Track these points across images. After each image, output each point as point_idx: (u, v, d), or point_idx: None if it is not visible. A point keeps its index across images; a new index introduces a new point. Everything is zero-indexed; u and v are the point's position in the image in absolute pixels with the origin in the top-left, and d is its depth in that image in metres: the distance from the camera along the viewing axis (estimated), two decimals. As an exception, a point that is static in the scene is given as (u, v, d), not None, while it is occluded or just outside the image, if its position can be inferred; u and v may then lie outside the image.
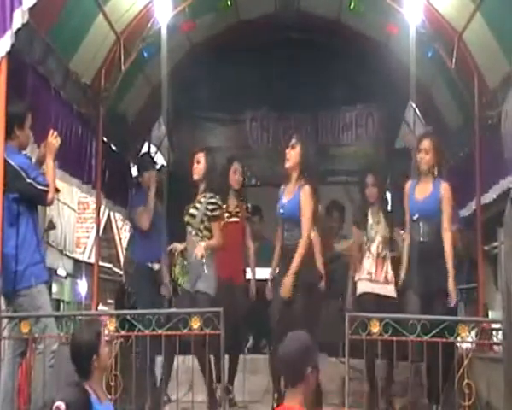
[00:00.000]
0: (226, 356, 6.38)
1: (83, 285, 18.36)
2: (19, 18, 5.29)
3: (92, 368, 4.24)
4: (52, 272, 15.89)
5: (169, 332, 5.61)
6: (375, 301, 6.78)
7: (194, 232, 6.63)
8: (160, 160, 11.17)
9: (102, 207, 9.00)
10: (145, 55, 8.14)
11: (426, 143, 6.49)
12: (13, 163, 5.46)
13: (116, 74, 7.88)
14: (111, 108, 8.19)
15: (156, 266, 7.64)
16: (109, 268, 17.05)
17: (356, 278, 7.07)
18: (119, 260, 18.21)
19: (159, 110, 9.00)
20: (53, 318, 5.82)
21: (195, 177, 6.78)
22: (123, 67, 7.85)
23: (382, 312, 6.03)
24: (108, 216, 17.67)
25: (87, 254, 18.76)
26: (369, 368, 6.62)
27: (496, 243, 9.98)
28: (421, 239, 6.40)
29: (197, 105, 10.62)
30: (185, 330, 5.56)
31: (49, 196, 5.68)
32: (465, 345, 5.88)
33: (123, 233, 19.04)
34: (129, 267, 8.30)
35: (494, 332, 6.49)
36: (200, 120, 11.08)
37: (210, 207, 6.61)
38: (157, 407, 6.11)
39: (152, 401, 6.12)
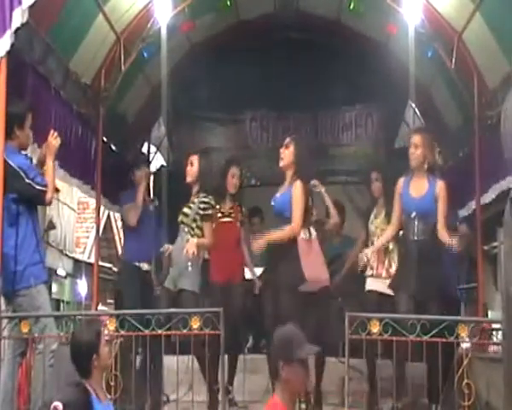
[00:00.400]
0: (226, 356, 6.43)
1: (83, 285, 18.37)
2: (18, 17, 5.29)
3: (92, 367, 4.25)
4: (52, 271, 15.89)
5: (169, 332, 5.62)
6: (377, 300, 6.81)
7: (186, 230, 6.68)
8: (160, 160, 11.18)
9: (102, 207, 9.00)
10: (145, 55, 8.14)
11: (416, 138, 6.46)
12: (12, 163, 5.46)
13: (116, 74, 7.88)
14: (111, 108, 8.19)
15: (145, 266, 7.57)
16: (109, 268, 17.02)
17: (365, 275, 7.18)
18: (118, 260, 18.20)
19: (158, 110, 9.00)
20: (52, 318, 5.82)
21: (188, 179, 6.85)
22: (123, 67, 7.85)
23: (384, 310, 6.05)
24: (108, 216, 17.66)
25: (87, 254, 18.75)
26: (370, 368, 6.64)
27: (495, 243, 9.98)
28: (416, 238, 6.35)
29: (197, 105, 10.62)
30: (185, 331, 5.56)
31: (48, 195, 5.69)
32: (465, 345, 5.88)
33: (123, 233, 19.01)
34: (118, 266, 8.33)
35: (494, 332, 6.49)
36: (200, 120, 11.09)
37: (202, 206, 6.67)
38: (157, 406, 6.11)
39: (152, 401, 6.13)
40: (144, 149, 10.34)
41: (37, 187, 5.59)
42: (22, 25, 5.35)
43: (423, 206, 6.36)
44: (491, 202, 7.75)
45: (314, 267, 6.89)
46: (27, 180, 5.54)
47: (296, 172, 6.50)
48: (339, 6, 9.05)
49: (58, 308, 16.63)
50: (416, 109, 9.65)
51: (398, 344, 5.55)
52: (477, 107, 7.68)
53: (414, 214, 6.36)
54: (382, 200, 7.23)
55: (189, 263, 6.55)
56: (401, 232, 6.69)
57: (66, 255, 17.32)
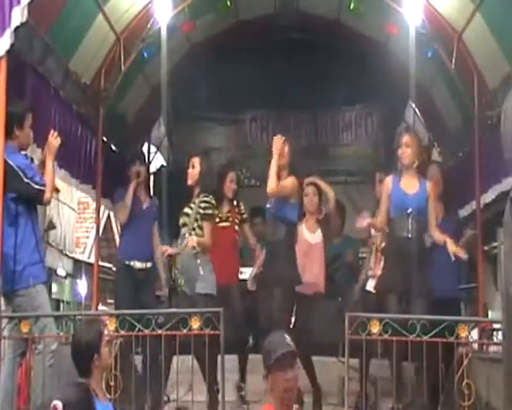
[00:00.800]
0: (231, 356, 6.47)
1: (83, 285, 18.35)
2: (18, 16, 5.27)
3: (93, 367, 4.24)
4: (52, 271, 15.89)
5: (169, 332, 5.61)
6: (375, 300, 6.81)
7: (187, 232, 6.68)
8: (160, 160, 11.19)
9: (102, 207, 8.99)
10: (145, 55, 8.14)
11: (406, 138, 6.51)
12: (11, 163, 5.45)
13: (116, 74, 7.88)
14: (111, 107, 8.19)
15: (138, 265, 7.51)
16: (109, 268, 16.98)
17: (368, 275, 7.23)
18: (118, 260, 18.19)
19: (158, 110, 9.00)
20: (52, 318, 5.82)
21: (190, 181, 6.84)
22: (123, 67, 7.85)
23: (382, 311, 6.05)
24: (108, 216, 17.63)
25: (87, 254, 18.74)
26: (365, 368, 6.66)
27: (495, 243, 9.98)
28: (410, 235, 6.32)
29: (197, 105, 10.63)
30: (185, 331, 5.56)
31: (46, 195, 5.68)
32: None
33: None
34: (114, 265, 8.34)
35: (494, 332, 6.49)
36: (200, 120, 11.10)
37: (203, 205, 6.67)
38: (157, 406, 6.11)
39: (152, 400, 6.13)
40: (144, 149, 10.32)
41: (36, 187, 5.59)
42: (22, 24, 5.34)
43: (418, 202, 6.37)
44: (491, 202, 7.74)
45: (311, 271, 6.92)
46: (26, 180, 5.53)
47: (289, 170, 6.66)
48: (339, 6, 9.05)
49: (58, 308, 16.62)
50: (416, 109, 9.65)
51: (392, 344, 5.53)
52: (477, 107, 7.68)
53: (410, 210, 6.34)
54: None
55: (200, 267, 6.55)
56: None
57: (66, 255, 17.30)
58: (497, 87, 7.14)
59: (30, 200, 5.67)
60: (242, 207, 7.57)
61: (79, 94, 7.48)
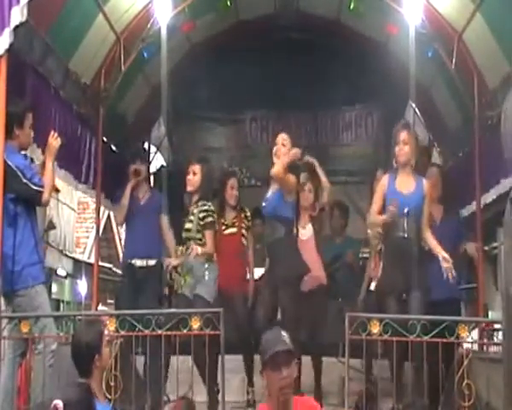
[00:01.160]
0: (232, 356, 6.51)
1: (83, 285, 18.38)
2: (17, 15, 5.26)
3: (93, 368, 4.24)
4: (52, 272, 15.91)
5: (169, 332, 5.61)
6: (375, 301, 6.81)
7: (192, 242, 6.69)
8: (160, 160, 11.18)
9: (102, 208, 8.99)
10: (145, 55, 8.14)
11: (404, 135, 6.41)
12: (10, 163, 5.45)
13: (116, 74, 7.88)
14: (111, 107, 8.18)
15: (138, 263, 7.43)
16: (109, 268, 17.05)
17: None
18: (119, 260, 18.21)
19: (158, 110, 8.99)
20: (52, 318, 5.81)
21: (190, 188, 6.82)
22: (123, 67, 7.84)
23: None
24: (108, 216, 17.67)
25: (87, 254, 18.78)
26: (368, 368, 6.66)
27: (496, 244, 9.98)
28: (406, 235, 6.25)
29: (197, 105, 10.62)
30: (185, 331, 5.56)
31: (44, 196, 5.66)
32: (465, 345, 5.87)
33: (123, 233, 19.02)
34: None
35: (494, 332, 6.49)
36: (200, 120, 11.09)
37: (202, 215, 6.67)
38: (157, 407, 6.11)
39: (152, 401, 6.12)
40: (145, 146, 10.31)
41: (34, 188, 5.57)
42: (21, 24, 5.33)
43: (414, 202, 6.27)
44: (491, 203, 7.74)
45: (310, 264, 6.93)
46: (24, 180, 5.52)
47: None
48: (339, 6, 9.05)
49: (58, 308, 16.65)
50: (417, 109, 9.64)
51: (391, 344, 5.52)
52: (477, 107, 7.67)
53: (406, 210, 6.28)
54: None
55: (207, 272, 6.57)
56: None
57: (66, 255, 17.33)
58: (497, 87, 7.14)
59: (28, 201, 5.66)
60: (248, 213, 7.56)
61: (79, 94, 7.48)
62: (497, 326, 6.42)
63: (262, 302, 6.77)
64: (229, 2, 8.72)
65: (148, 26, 7.80)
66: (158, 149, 10.87)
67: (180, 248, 6.95)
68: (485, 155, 7.55)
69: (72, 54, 7.09)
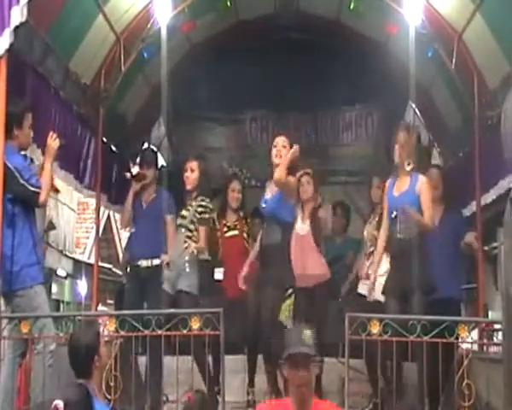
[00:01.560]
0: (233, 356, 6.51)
1: (82, 286, 18.37)
2: (17, 15, 5.26)
3: (93, 368, 4.24)
4: (52, 272, 15.90)
5: (169, 332, 5.61)
6: (360, 302, 6.84)
7: (184, 232, 6.68)
8: (160, 160, 11.17)
9: (102, 208, 8.99)
10: (145, 55, 8.14)
11: (403, 136, 6.40)
12: (9, 164, 5.44)
13: (116, 74, 7.88)
14: (111, 108, 8.18)
15: (144, 263, 7.33)
16: (109, 269, 17.04)
17: None
18: (118, 261, 18.21)
19: (158, 110, 9.00)
20: (50, 318, 5.81)
21: (188, 187, 6.83)
22: (123, 68, 7.85)
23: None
24: (108, 216, 17.65)
25: (87, 254, 18.75)
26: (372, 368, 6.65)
27: (496, 244, 9.97)
28: (401, 236, 6.26)
29: (197, 105, 10.62)
30: (185, 331, 5.56)
31: (41, 197, 5.64)
32: (465, 345, 5.87)
33: (123, 233, 19.03)
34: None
35: (494, 332, 6.48)
36: (200, 120, 11.09)
37: (199, 209, 6.69)
38: (157, 407, 6.11)
39: (152, 401, 6.13)
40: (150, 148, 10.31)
41: (31, 189, 5.55)
42: (21, 24, 5.33)
43: (408, 200, 6.25)
44: (491, 203, 7.73)
45: (307, 264, 6.93)
46: (22, 181, 5.51)
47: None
48: (339, 6, 9.04)
49: (58, 309, 16.65)
50: (417, 109, 9.64)
51: (390, 345, 5.52)
52: (477, 107, 7.67)
53: (394, 214, 6.30)
54: (380, 207, 7.17)
55: (187, 264, 6.58)
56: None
57: (66, 256, 17.31)
58: (497, 87, 7.14)
59: (25, 201, 5.65)
60: (249, 219, 7.56)
61: (79, 94, 7.48)
62: (497, 326, 6.41)
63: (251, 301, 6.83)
64: (229, 3, 8.72)
65: (148, 26, 7.80)
66: (158, 149, 10.86)
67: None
68: (485, 155, 7.55)
69: (72, 54, 7.10)
